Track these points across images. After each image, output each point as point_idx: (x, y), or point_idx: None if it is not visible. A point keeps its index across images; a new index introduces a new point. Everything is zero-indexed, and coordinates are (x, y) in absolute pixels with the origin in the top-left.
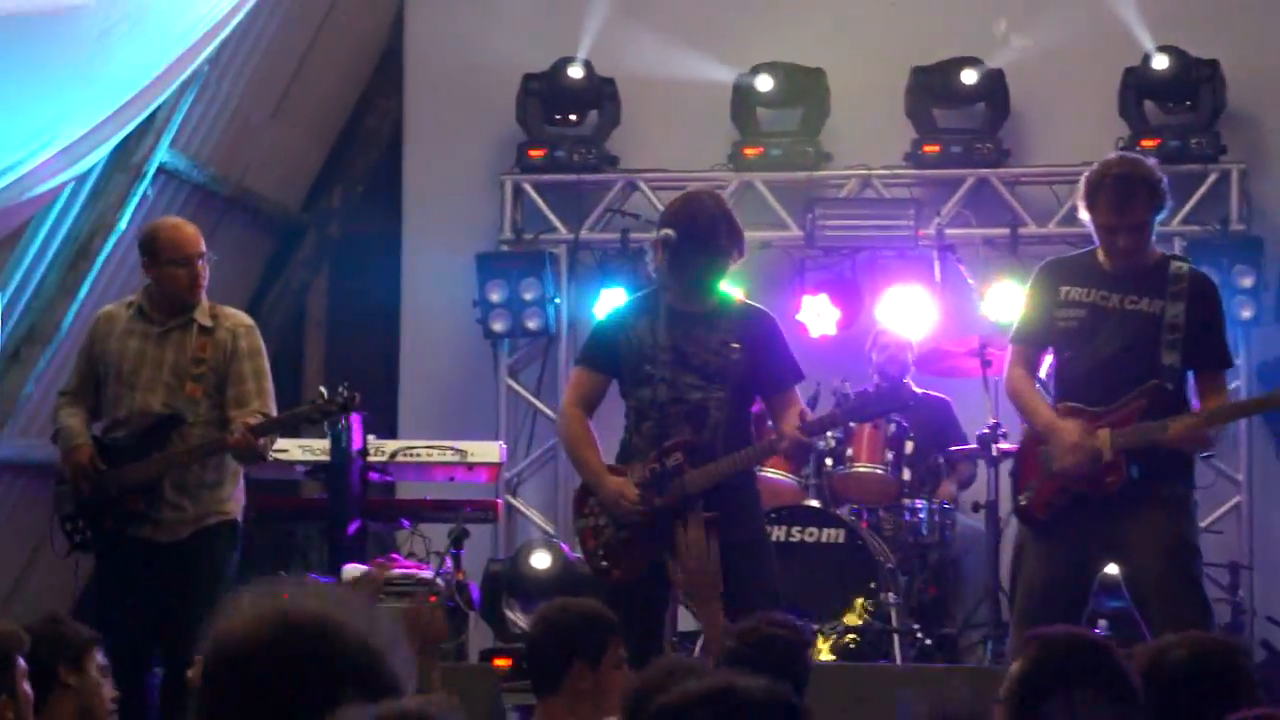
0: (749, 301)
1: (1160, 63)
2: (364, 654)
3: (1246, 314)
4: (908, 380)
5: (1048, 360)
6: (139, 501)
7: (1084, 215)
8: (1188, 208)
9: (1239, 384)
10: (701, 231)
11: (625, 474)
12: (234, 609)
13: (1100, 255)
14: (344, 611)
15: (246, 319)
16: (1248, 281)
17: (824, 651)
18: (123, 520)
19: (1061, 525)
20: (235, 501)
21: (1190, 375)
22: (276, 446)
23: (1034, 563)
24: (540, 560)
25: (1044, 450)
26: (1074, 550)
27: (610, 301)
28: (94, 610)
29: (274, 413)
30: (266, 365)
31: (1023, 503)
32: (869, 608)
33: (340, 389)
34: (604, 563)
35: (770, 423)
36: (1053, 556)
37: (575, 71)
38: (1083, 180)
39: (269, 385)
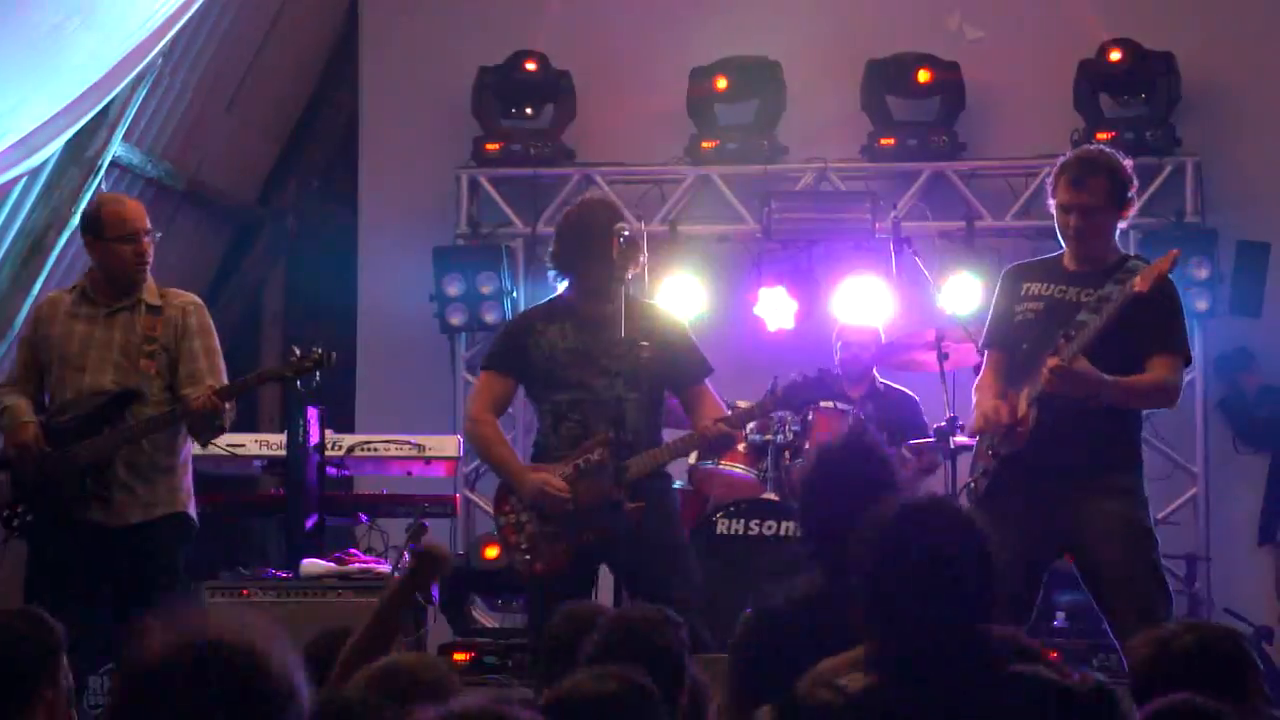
0: (652, 301)
1: (1114, 55)
2: (283, 683)
3: (1202, 306)
4: (873, 371)
5: None
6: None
7: (1049, 202)
8: (1142, 200)
9: (1195, 375)
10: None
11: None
12: (153, 632)
13: (1065, 258)
14: (262, 640)
15: (194, 297)
16: (1203, 274)
17: None
18: (69, 504)
19: (1010, 517)
20: (186, 493)
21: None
22: (232, 441)
23: None
24: (492, 552)
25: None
26: (1022, 541)
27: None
28: (24, 602)
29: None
30: (217, 343)
31: (971, 485)
32: None
33: (313, 348)
34: (527, 556)
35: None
36: (999, 547)
37: (530, 65)
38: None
39: (221, 363)
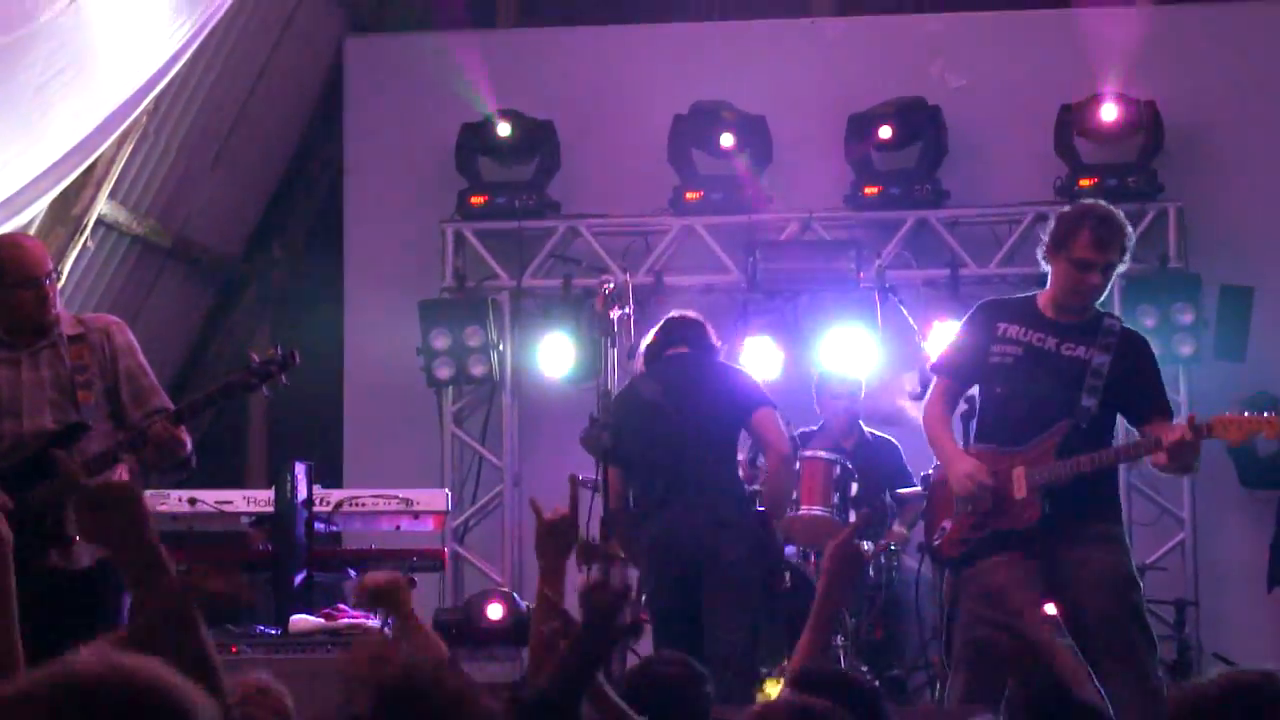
0: None
1: (1096, 102)
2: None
3: (1186, 350)
4: (860, 421)
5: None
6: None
7: (1045, 258)
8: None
9: (1180, 421)
10: None
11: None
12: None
13: (1041, 302)
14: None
15: (113, 317)
16: (1187, 318)
17: (772, 695)
18: (27, 552)
19: (997, 569)
20: None
21: (1115, 422)
22: (220, 498)
23: (972, 606)
24: (494, 611)
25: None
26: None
27: (553, 347)
28: None
29: (172, 407)
30: (145, 360)
31: (936, 542)
32: None
33: (272, 349)
34: None
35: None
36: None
37: (513, 119)
38: (1055, 220)
39: (155, 379)
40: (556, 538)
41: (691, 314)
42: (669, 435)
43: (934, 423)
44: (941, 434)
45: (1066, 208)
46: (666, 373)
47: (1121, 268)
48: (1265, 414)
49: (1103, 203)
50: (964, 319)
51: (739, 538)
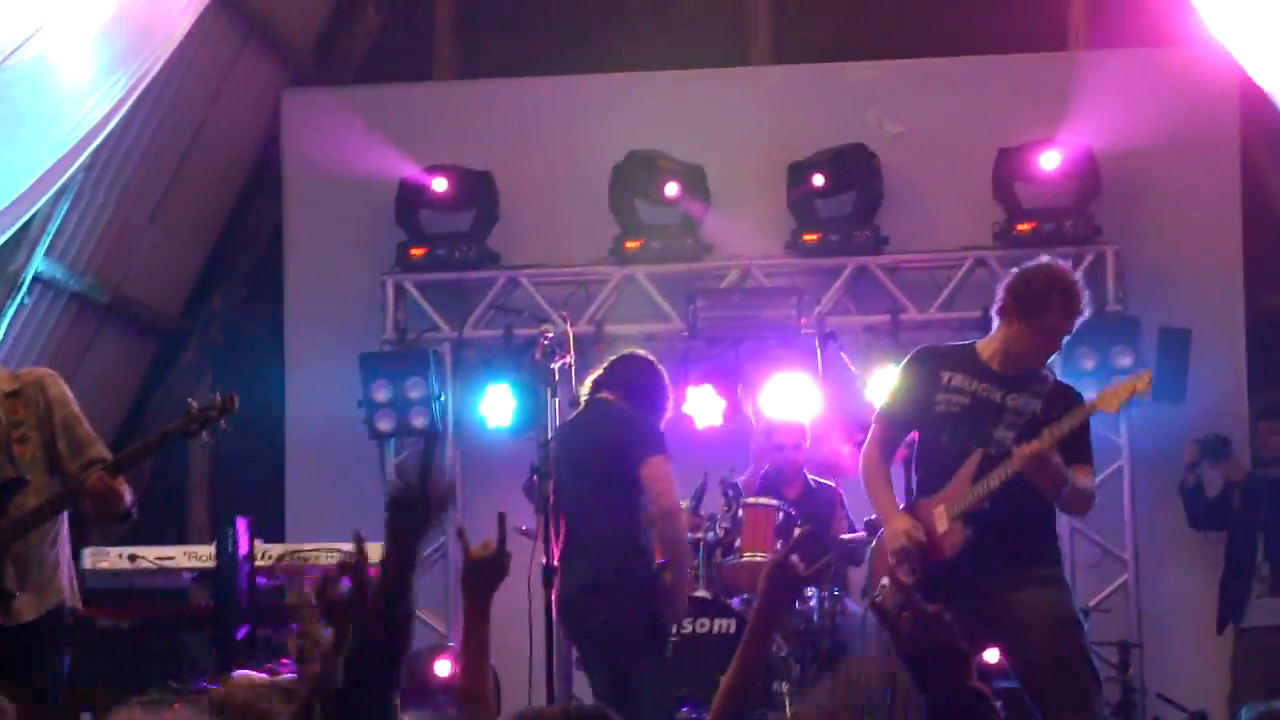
0: None
1: (1033, 149)
2: None
3: None
4: (804, 469)
5: None
6: None
7: (1002, 315)
8: None
9: (1122, 463)
10: None
11: None
12: None
13: (983, 353)
14: None
15: (46, 369)
16: (1126, 361)
17: None
18: None
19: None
20: (71, 581)
21: None
22: (161, 554)
23: None
24: (442, 668)
25: (890, 552)
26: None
27: (495, 397)
28: None
29: (110, 458)
30: (80, 411)
31: (876, 599)
32: (762, 697)
33: (213, 394)
34: None
35: None
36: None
37: (449, 173)
38: (1020, 284)
39: (91, 430)
40: (483, 572)
41: (639, 353)
42: (573, 489)
43: (871, 475)
44: (878, 488)
45: (1023, 267)
46: (579, 421)
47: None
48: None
49: (1060, 264)
50: (903, 364)
51: (609, 599)
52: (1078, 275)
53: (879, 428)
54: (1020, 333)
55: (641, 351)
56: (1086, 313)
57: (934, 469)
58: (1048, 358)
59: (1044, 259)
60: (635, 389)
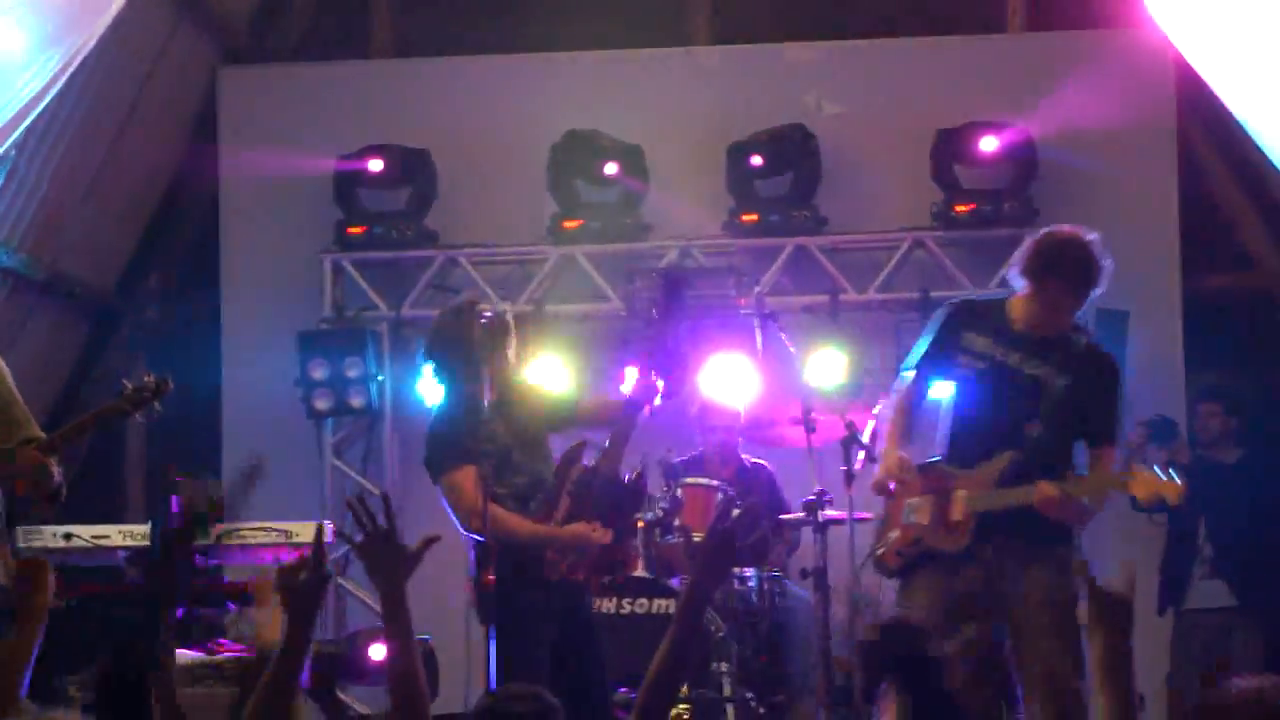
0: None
1: (972, 131)
2: None
3: None
4: (739, 451)
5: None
6: None
7: (1018, 280)
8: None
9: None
10: None
11: None
12: None
13: (1011, 310)
14: None
15: None
16: None
17: None
18: None
19: (919, 591)
20: (4, 560)
21: (1076, 447)
22: (96, 533)
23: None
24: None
25: (906, 504)
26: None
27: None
28: None
29: (43, 437)
30: (16, 391)
31: (879, 551)
32: (701, 678)
33: (146, 375)
34: None
35: None
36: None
37: (388, 151)
38: (1032, 247)
39: (26, 409)
40: (291, 583)
41: None
42: None
43: (886, 416)
44: (887, 429)
45: (1050, 229)
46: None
47: (1097, 291)
48: (1168, 477)
49: (1083, 236)
50: (934, 318)
51: None
52: (1099, 251)
53: (904, 378)
54: (1030, 294)
55: None
56: (1096, 290)
57: (961, 436)
58: (1057, 326)
59: (1075, 228)
60: None
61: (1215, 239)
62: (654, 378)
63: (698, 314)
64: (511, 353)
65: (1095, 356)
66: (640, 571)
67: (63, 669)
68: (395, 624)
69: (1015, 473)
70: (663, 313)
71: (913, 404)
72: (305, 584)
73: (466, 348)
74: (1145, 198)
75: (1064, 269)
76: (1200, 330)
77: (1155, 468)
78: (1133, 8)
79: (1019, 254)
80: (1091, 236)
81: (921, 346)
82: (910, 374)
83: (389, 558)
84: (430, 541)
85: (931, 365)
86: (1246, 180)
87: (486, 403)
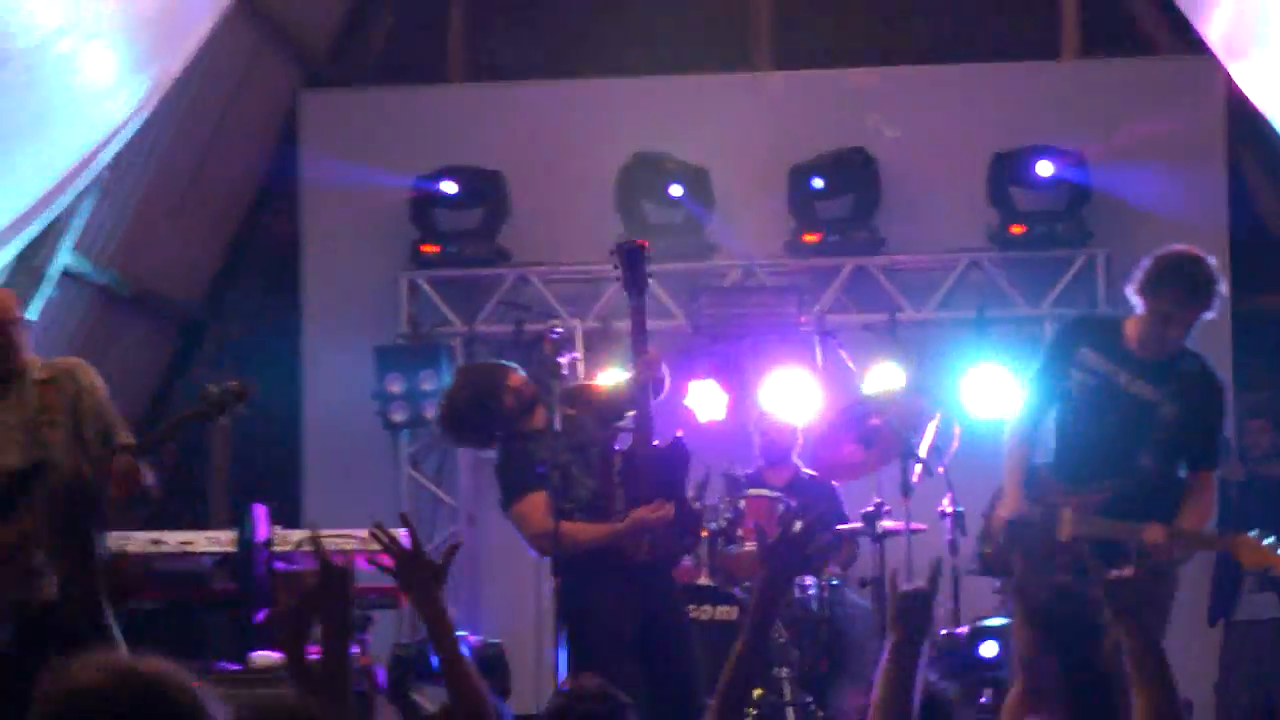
0: None
1: (1028, 154)
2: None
3: None
4: (795, 462)
5: None
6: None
7: (1134, 297)
8: (1057, 290)
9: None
10: None
11: None
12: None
13: (1129, 330)
14: (175, 675)
15: (77, 359)
16: None
17: None
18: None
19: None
20: (100, 563)
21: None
22: (184, 539)
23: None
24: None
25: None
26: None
27: None
28: None
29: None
30: (109, 398)
31: (985, 550)
32: (763, 682)
33: (231, 379)
34: None
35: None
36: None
37: (462, 173)
38: (1150, 264)
39: (119, 417)
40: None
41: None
42: None
43: (1011, 448)
44: (1011, 466)
45: (1163, 248)
46: None
47: (1209, 315)
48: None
49: (1193, 252)
50: (1051, 335)
51: None
52: (1212, 269)
53: (1026, 399)
54: (1145, 311)
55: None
56: (1209, 307)
57: (1069, 452)
58: (1171, 346)
59: (1191, 247)
60: None
61: (1265, 260)
62: (644, 353)
63: (759, 330)
64: (566, 372)
65: (1205, 380)
66: (705, 580)
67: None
68: (436, 628)
69: (1122, 501)
70: (627, 285)
71: (1034, 428)
72: (415, 576)
73: (494, 413)
74: (1196, 219)
75: (1178, 281)
76: (1249, 349)
77: (1265, 540)
78: (1184, 35)
79: (1136, 271)
80: (1207, 256)
81: (1039, 369)
82: (1029, 396)
83: (419, 573)
84: (454, 550)
85: (1048, 379)
86: None
87: (542, 427)
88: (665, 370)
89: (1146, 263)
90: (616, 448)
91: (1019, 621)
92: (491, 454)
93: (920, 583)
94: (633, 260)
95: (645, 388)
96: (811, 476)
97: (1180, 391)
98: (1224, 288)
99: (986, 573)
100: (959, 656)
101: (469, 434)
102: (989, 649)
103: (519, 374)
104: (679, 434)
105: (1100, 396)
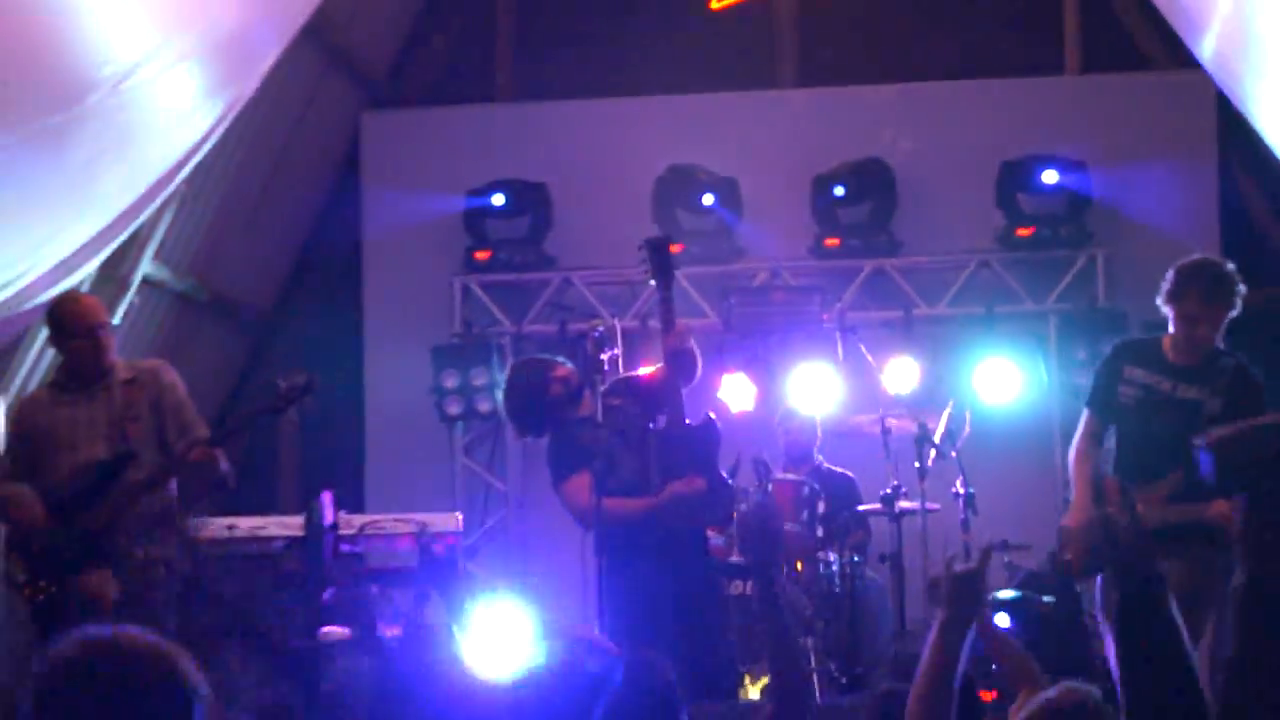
0: None
1: (1034, 163)
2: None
3: None
4: (816, 457)
5: None
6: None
7: (1164, 306)
8: (1060, 288)
9: (1109, 444)
10: None
11: None
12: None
13: (1166, 344)
14: (153, 645)
15: (159, 360)
16: None
17: (753, 691)
18: (79, 572)
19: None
20: (174, 549)
21: None
22: (255, 524)
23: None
24: None
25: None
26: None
27: None
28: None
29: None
30: (188, 397)
31: (1066, 556)
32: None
33: (297, 375)
34: None
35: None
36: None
37: (510, 184)
38: (1172, 273)
39: (197, 415)
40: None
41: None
42: None
43: (1076, 460)
44: (1078, 476)
45: (1183, 262)
46: None
47: (1233, 314)
48: None
49: (1213, 259)
50: (1100, 360)
51: None
52: (1230, 270)
53: (1085, 418)
54: (1172, 319)
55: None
56: (1231, 305)
57: (1132, 455)
58: (1201, 345)
59: (1203, 255)
60: None
61: (1254, 257)
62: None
63: (785, 327)
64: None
65: (1241, 373)
66: (735, 558)
67: (228, 644)
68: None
69: (1189, 488)
70: (655, 273)
71: (1096, 444)
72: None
73: (544, 401)
74: (1189, 221)
75: (1198, 283)
76: (1240, 336)
77: None
78: (1178, 52)
79: (1162, 284)
80: (1226, 262)
81: (1092, 387)
82: (1089, 415)
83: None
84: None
85: (1101, 398)
86: None
87: (588, 415)
88: (694, 345)
89: (1170, 274)
90: (651, 426)
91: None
92: (543, 443)
93: (971, 564)
94: (658, 251)
95: (677, 366)
96: (830, 469)
97: (1221, 387)
98: (1242, 287)
99: (1065, 574)
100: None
101: (524, 420)
102: (1001, 620)
103: (566, 365)
104: (710, 415)
105: (1151, 405)
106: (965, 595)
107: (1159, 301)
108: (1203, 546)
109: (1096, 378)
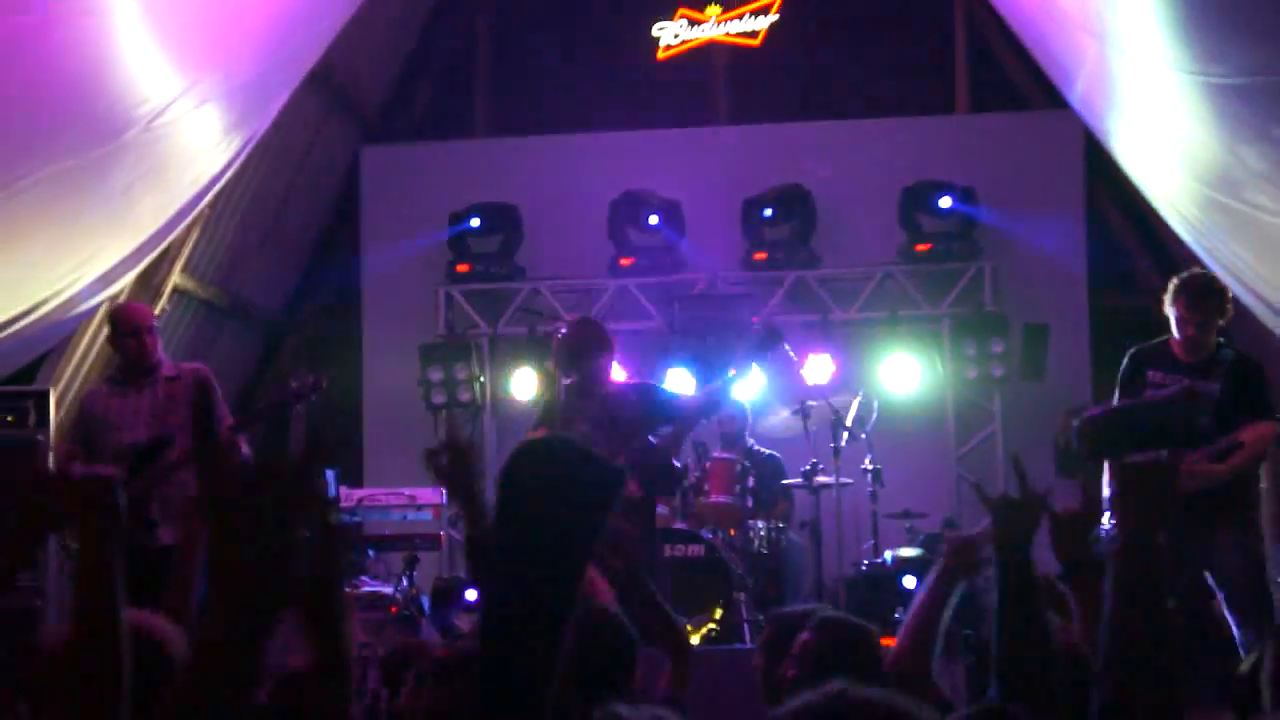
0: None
1: (932, 189)
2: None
3: (998, 374)
4: (747, 440)
5: None
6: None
7: (1169, 309)
8: (953, 295)
9: (994, 428)
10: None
11: None
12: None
13: (1173, 345)
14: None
15: (201, 364)
16: (998, 349)
17: (694, 638)
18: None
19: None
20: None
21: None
22: None
23: None
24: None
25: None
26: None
27: (522, 378)
28: None
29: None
30: (220, 394)
31: (1065, 443)
32: (724, 604)
33: (307, 374)
34: None
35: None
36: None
37: (487, 207)
38: (1171, 283)
39: (226, 408)
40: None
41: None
42: None
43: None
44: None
45: (1181, 275)
46: None
47: (1221, 320)
48: None
49: (1203, 273)
50: (1121, 369)
51: None
52: (1217, 280)
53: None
54: (1174, 322)
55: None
56: (1218, 309)
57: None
58: (1196, 344)
59: (1198, 270)
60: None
61: (1116, 269)
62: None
63: (720, 329)
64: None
65: (1241, 361)
66: (679, 524)
67: None
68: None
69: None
70: (757, 352)
71: None
72: (450, 464)
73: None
74: (1061, 237)
75: (1186, 292)
76: (1103, 339)
77: None
78: (1052, 94)
79: (1165, 295)
80: (1215, 276)
81: (1118, 391)
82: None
83: (455, 462)
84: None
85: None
86: (1138, 224)
87: (563, 398)
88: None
89: (1171, 284)
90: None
91: None
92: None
93: (971, 532)
94: (772, 340)
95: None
96: (759, 449)
97: (1222, 374)
98: (1229, 292)
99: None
100: (883, 587)
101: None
102: (909, 581)
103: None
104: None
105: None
106: (960, 556)
107: (1165, 309)
108: (1243, 510)
109: (1122, 386)
